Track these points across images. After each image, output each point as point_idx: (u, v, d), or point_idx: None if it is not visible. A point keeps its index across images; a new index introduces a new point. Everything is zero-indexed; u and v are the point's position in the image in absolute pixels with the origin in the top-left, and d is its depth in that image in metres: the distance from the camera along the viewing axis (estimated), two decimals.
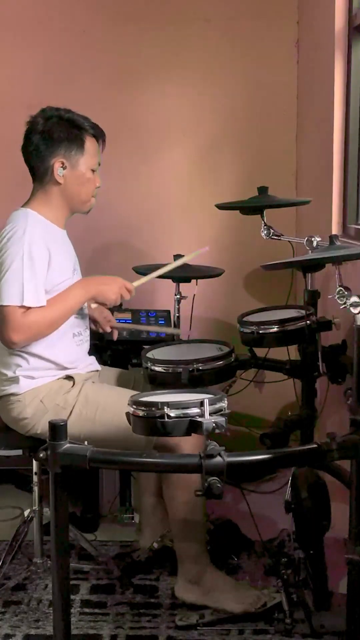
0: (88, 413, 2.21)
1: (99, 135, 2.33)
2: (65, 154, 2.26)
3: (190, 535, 2.23)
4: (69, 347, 2.32)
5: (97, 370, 2.45)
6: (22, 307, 2.11)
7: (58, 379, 2.29)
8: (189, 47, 3.35)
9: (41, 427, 2.23)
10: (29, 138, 2.28)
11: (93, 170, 2.32)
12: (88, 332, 2.43)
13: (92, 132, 2.30)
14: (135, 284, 2.37)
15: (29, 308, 2.13)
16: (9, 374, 2.26)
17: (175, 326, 2.90)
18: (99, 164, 2.35)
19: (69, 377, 2.30)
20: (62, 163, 2.26)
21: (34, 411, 2.24)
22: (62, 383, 2.29)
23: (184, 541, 2.24)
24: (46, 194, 2.30)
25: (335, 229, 2.79)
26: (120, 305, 2.38)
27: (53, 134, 2.25)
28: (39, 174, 2.30)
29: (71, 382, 2.29)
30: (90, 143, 2.30)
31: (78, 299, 2.26)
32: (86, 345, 2.41)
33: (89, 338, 2.43)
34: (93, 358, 2.45)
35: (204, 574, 2.23)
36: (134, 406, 1.72)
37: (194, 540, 2.23)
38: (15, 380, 2.25)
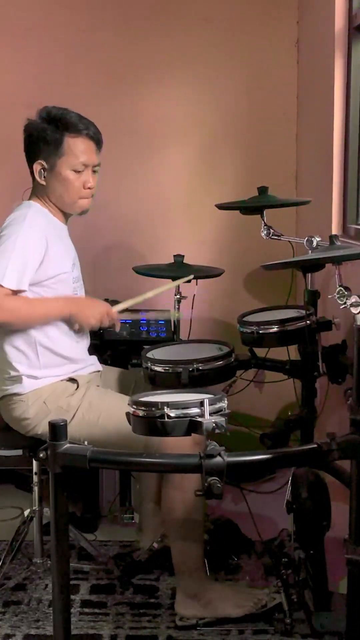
0: (91, 418, 2.21)
1: (91, 135, 2.28)
2: (44, 155, 2.26)
3: (187, 541, 2.20)
4: (70, 343, 2.32)
5: (99, 371, 2.45)
6: (1, 287, 2.10)
7: (61, 380, 2.29)
8: (189, 47, 3.35)
9: (42, 428, 2.23)
10: (24, 139, 2.31)
11: (78, 171, 2.27)
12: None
13: (82, 132, 2.26)
14: (117, 308, 2.35)
15: (13, 291, 2.13)
16: (12, 372, 2.26)
17: (175, 327, 2.90)
18: (90, 165, 2.29)
19: (72, 380, 2.30)
20: (42, 165, 2.26)
21: (36, 412, 2.24)
22: (66, 385, 2.29)
23: (180, 550, 2.21)
24: (39, 193, 2.32)
25: (335, 229, 2.79)
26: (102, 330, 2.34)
27: (33, 136, 2.27)
28: (31, 174, 2.32)
29: (75, 385, 2.29)
30: (73, 143, 2.25)
31: (56, 309, 2.24)
32: (85, 343, 2.41)
33: (88, 335, 2.43)
34: (94, 358, 2.45)
35: (201, 587, 2.21)
36: (134, 406, 1.72)
37: (191, 548, 2.20)
38: (18, 379, 2.25)
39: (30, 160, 2.29)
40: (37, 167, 2.27)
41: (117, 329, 2.38)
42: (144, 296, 2.45)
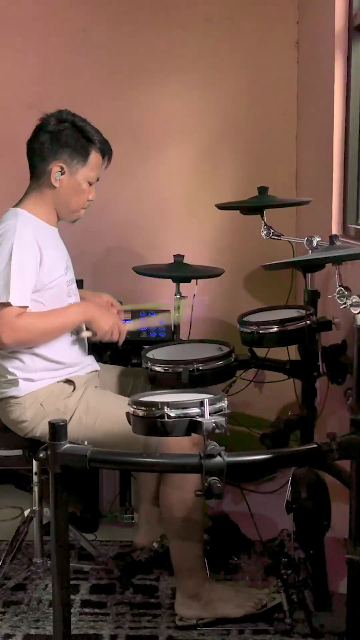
0: (88, 420, 2.21)
1: (106, 152, 2.33)
2: (67, 160, 2.26)
3: (186, 541, 2.20)
4: (66, 346, 2.32)
5: (96, 371, 2.45)
6: (9, 305, 2.12)
7: (58, 382, 2.29)
8: (189, 47, 3.35)
9: (40, 430, 2.23)
10: (37, 134, 2.29)
11: (90, 183, 2.32)
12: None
13: (99, 147, 2.30)
14: (129, 327, 2.38)
15: (19, 307, 2.14)
16: (9, 376, 2.26)
17: (175, 327, 2.89)
18: (98, 179, 2.35)
19: (69, 381, 2.30)
20: (61, 168, 2.26)
21: (33, 414, 2.24)
22: (63, 387, 2.29)
23: (180, 550, 2.21)
24: (39, 193, 2.31)
25: (335, 229, 2.79)
26: (115, 344, 2.37)
27: (61, 138, 2.26)
28: (37, 172, 2.30)
29: (72, 387, 2.29)
30: (94, 157, 2.30)
31: (74, 317, 2.27)
32: (83, 344, 2.41)
33: (85, 338, 2.43)
34: (92, 357, 2.45)
35: (201, 588, 2.21)
36: (134, 406, 1.71)
37: (190, 548, 2.20)
38: (14, 382, 2.25)
39: (46, 159, 2.27)
40: (55, 168, 2.26)
41: (120, 343, 2.38)
42: (151, 320, 2.52)
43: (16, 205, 2.30)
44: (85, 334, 2.34)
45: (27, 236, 2.19)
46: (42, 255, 2.21)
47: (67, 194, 2.30)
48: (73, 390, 2.28)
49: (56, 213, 2.34)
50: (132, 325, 2.43)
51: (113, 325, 2.30)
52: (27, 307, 2.18)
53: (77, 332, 2.35)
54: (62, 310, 2.26)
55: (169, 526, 2.24)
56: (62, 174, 2.27)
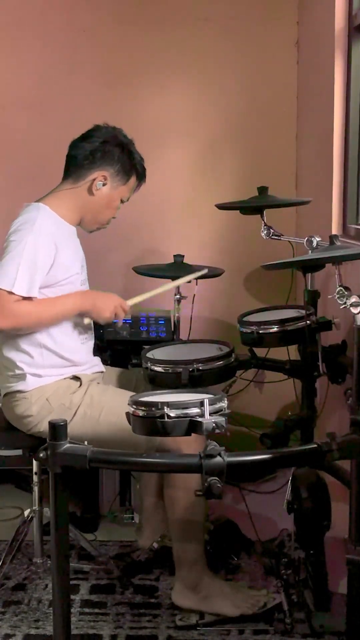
0: (92, 414, 2.21)
1: (142, 179, 2.43)
2: (113, 174, 2.33)
3: (189, 538, 2.22)
4: (75, 344, 2.33)
5: (102, 372, 2.46)
6: (12, 293, 2.12)
7: (65, 378, 2.30)
8: (189, 46, 3.35)
9: (44, 426, 2.22)
10: (91, 137, 2.34)
11: (122, 202, 2.40)
12: (92, 331, 2.43)
13: (140, 173, 2.40)
14: (130, 302, 2.38)
15: (23, 297, 2.14)
16: (16, 370, 2.27)
17: (175, 327, 2.89)
18: (128, 200, 2.42)
19: (76, 378, 2.31)
20: (105, 178, 2.31)
21: (39, 409, 2.24)
22: (70, 383, 2.29)
23: (182, 544, 2.23)
24: (72, 194, 2.33)
25: (335, 229, 2.79)
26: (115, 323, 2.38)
27: (114, 153, 2.32)
28: (77, 175, 2.33)
29: (78, 383, 2.30)
30: (133, 180, 2.39)
31: (71, 307, 2.27)
32: (90, 344, 2.42)
33: (93, 337, 2.44)
34: (98, 359, 2.46)
35: (200, 580, 2.22)
36: (134, 406, 1.72)
37: (192, 543, 2.22)
38: (22, 377, 2.26)
39: (94, 166, 2.31)
40: (98, 177, 2.31)
41: (125, 317, 2.39)
42: (156, 291, 2.48)
43: (39, 200, 2.32)
44: (87, 321, 2.33)
45: (45, 231, 2.21)
46: (57, 252, 2.23)
47: (101, 205, 2.35)
48: (79, 386, 2.29)
49: (80, 218, 2.36)
50: (136, 299, 2.42)
51: (114, 311, 2.31)
52: (32, 297, 2.18)
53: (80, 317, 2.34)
54: (60, 298, 2.26)
55: (172, 523, 2.25)
56: (103, 185, 2.32)
